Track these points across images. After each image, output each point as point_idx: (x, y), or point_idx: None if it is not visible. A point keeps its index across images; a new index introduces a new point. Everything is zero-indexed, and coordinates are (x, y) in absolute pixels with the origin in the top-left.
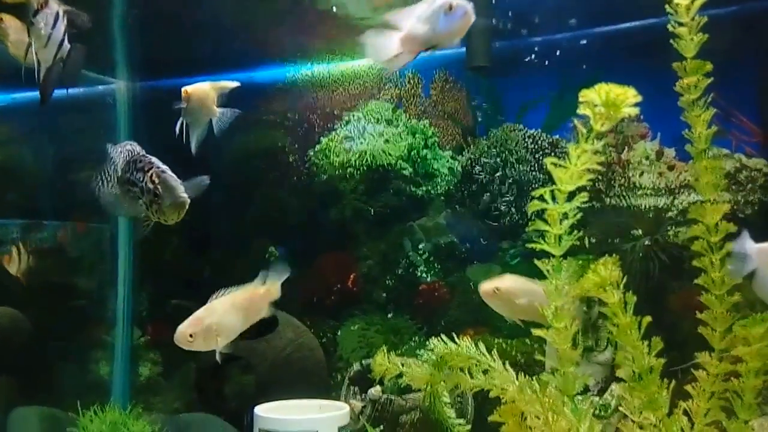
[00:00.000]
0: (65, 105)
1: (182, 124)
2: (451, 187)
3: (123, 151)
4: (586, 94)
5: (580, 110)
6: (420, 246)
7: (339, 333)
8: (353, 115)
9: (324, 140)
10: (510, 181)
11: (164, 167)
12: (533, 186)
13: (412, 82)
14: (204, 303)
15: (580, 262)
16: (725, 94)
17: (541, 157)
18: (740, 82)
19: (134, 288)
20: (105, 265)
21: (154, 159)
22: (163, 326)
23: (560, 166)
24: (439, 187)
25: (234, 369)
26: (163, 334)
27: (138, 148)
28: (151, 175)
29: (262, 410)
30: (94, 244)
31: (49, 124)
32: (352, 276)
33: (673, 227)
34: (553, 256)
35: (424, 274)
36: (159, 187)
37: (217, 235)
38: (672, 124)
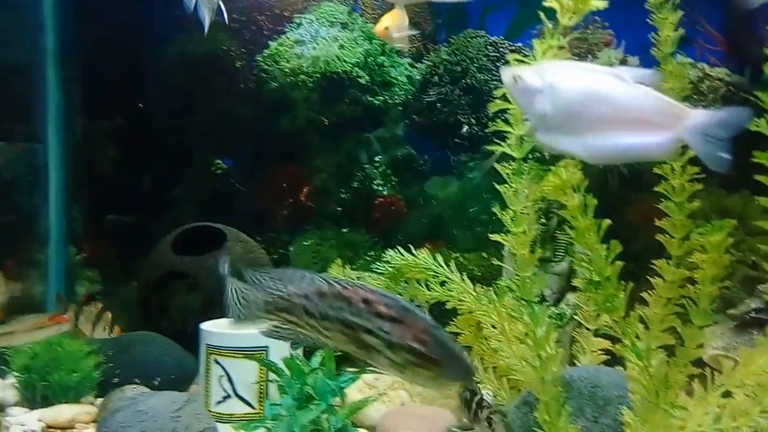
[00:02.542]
0: None
1: None
2: (410, 97)
3: (302, 277)
4: None
5: (547, 2)
6: (376, 158)
7: (291, 248)
8: (305, 18)
9: (273, 44)
10: (470, 90)
11: (429, 318)
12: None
13: None
14: (144, 218)
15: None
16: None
17: (503, 66)
18: None
19: (67, 203)
20: (35, 179)
21: (402, 301)
22: (100, 243)
23: (524, 62)
24: (396, 96)
25: (179, 286)
26: (101, 252)
27: (331, 280)
28: (415, 332)
29: (209, 326)
30: (20, 156)
31: None
32: (304, 189)
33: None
34: (514, 159)
35: (380, 188)
36: (433, 353)
37: (158, 147)
38: (637, 31)
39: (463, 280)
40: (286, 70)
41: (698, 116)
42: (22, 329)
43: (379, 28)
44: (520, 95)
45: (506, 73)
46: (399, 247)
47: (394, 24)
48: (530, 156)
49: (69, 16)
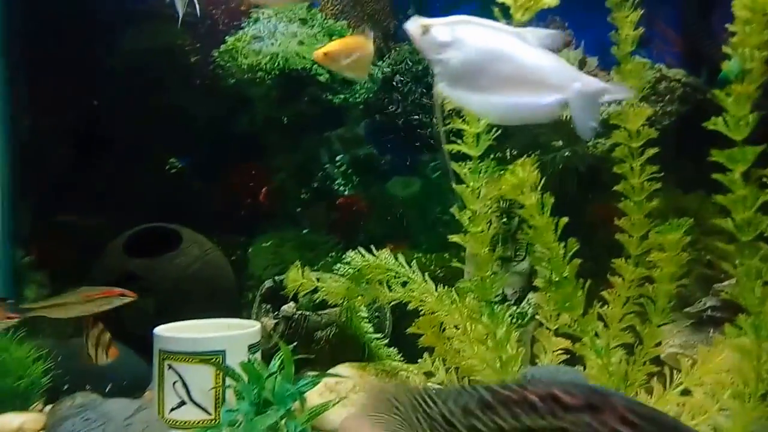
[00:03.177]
0: None
1: None
2: (371, 96)
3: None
4: None
5: None
6: (337, 158)
7: (250, 250)
8: (263, 13)
9: (230, 40)
10: (432, 89)
11: (622, 393)
12: None
13: None
14: (94, 220)
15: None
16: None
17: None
18: None
19: (14, 203)
20: None
21: (582, 381)
22: (49, 245)
23: None
24: (357, 95)
25: (132, 289)
26: (50, 254)
27: (494, 388)
28: (617, 414)
29: (162, 330)
30: None
31: None
32: (263, 190)
33: (593, 138)
34: (471, 158)
35: (341, 188)
36: None
37: (110, 144)
38: (596, 31)
39: (425, 280)
40: (244, 66)
41: (588, 82)
42: (74, 301)
43: (317, 53)
44: (428, 46)
45: (414, 23)
46: (360, 248)
47: (337, 49)
48: (488, 155)
49: (15, 8)
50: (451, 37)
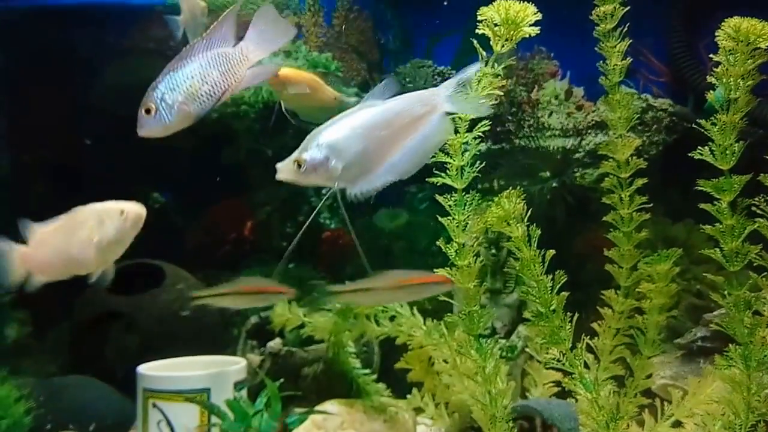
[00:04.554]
0: None
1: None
2: None
3: None
4: (485, 12)
5: (479, 29)
6: (323, 191)
7: None
8: None
9: None
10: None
11: None
12: None
13: (312, 9)
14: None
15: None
16: (633, 30)
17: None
18: (648, 18)
19: None
20: None
21: None
22: None
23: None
24: None
25: (115, 327)
26: (32, 292)
27: None
28: None
29: (146, 369)
30: None
31: None
32: (248, 224)
33: (580, 169)
34: (456, 190)
35: (327, 221)
36: None
37: (91, 179)
38: (582, 62)
39: (413, 314)
40: (227, 100)
41: (444, 88)
42: (383, 287)
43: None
44: (312, 174)
45: (285, 168)
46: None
47: (287, 75)
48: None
49: None
50: (323, 150)
